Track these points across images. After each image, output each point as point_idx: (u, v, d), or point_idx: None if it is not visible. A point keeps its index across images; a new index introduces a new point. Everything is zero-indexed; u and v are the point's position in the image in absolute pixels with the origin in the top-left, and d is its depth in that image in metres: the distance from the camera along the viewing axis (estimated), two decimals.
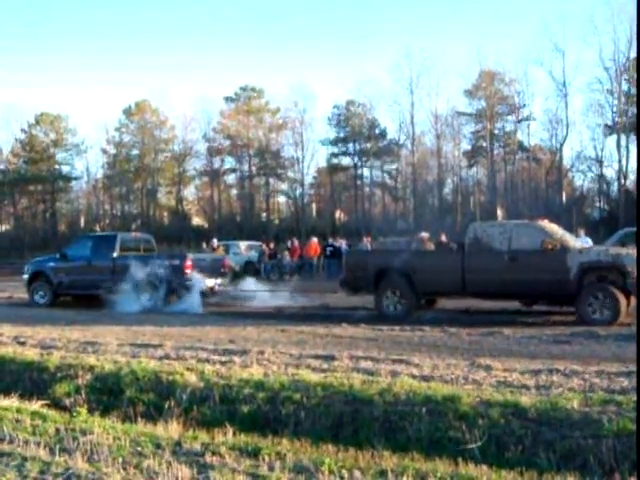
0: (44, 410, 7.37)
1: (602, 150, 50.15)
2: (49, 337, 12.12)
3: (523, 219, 17.82)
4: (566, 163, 51.67)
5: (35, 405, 7.57)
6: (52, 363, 9.32)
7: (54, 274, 19.24)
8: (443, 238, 21.86)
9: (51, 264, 19.67)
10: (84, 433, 6.18)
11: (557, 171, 50.48)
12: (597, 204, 52.10)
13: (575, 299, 12.87)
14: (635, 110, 46.79)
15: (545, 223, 14.09)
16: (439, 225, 41.88)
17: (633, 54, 45.09)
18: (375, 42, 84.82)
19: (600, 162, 50.39)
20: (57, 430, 6.33)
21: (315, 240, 32.24)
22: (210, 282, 18.34)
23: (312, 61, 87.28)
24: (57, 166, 63.55)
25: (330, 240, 32.28)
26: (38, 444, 5.85)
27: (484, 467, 5.40)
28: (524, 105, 52.06)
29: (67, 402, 8.15)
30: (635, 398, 6.31)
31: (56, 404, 8.09)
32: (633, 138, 47.56)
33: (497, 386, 7.21)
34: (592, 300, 12.62)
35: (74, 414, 7.07)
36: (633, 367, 7.95)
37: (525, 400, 6.42)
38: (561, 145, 49.87)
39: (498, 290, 13.57)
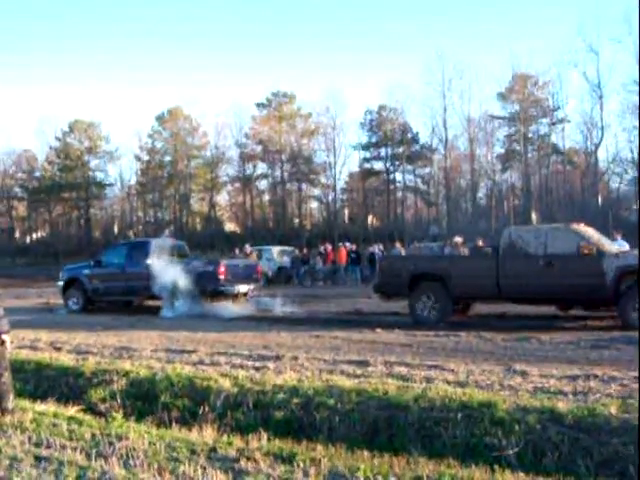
0: (80, 415, 7.42)
1: (638, 152, 49.42)
2: (84, 343, 12.26)
3: (558, 223, 17.63)
4: (602, 166, 51.07)
5: (71, 410, 7.63)
6: (87, 368, 9.41)
7: (88, 281, 19.47)
8: (480, 243, 21.72)
9: (85, 271, 19.89)
10: (119, 438, 6.22)
11: (592, 174, 49.85)
12: (634, 207, 51.30)
13: (616, 303, 12.68)
14: None
15: (581, 227, 13.92)
16: (472, 230, 41.66)
17: None
18: (407, 46, 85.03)
19: (636, 164, 49.67)
20: (93, 435, 6.37)
21: (347, 245, 32.24)
22: (243, 288, 18.41)
23: (344, 66, 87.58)
24: (91, 173, 64.47)
25: (350, 245, 32.08)
26: (75, 449, 5.90)
27: (521, 474, 5.33)
28: (558, 107, 51.67)
29: (102, 407, 8.21)
30: None
31: (92, 409, 8.15)
32: None
33: (533, 392, 7.11)
34: (636, 305, 12.42)
35: (109, 419, 7.12)
36: None
37: (562, 406, 6.32)
38: (596, 147, 49.29)
39: (534, 295, 13.44)
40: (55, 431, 6.57)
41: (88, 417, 7.37)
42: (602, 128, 48.19)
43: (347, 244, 32.84)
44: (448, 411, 6.55)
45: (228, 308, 17.49)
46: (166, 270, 17.91)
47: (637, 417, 5.92)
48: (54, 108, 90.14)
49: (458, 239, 22.38)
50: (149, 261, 18.57)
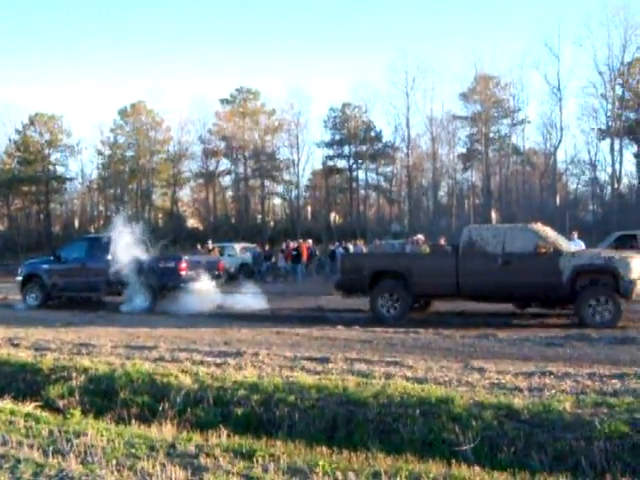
0: (37, 412, 7.36)
1: (596, 154, 50.43)
2: (43, 339, 12.12)
3: (517, 222, 17.90)
4: (560, 167, 51.93)
5: (29, 407, 7.56)
6: (46, 365, 9.31)
7: (48, 276, 19.20)
8: (442, 241, 21.95)
9: (45, 266, 19.62)
10: (78, 435, 6.17)
11: (551, 175, 50.63)
12: (590, 207, 52.26)
13: (572, 302, 12.93)
14: (629, 114, 47.09)
15: (539, 226, 14.14)
16: (434, 228, 42.04)
17: (627, 58, 45.41)
18: (372, 45, 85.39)
19: (594, 166, 50.65)
20: (51, 432, 6.32)
21: (309, 242, 32.31)
22: (205, 284, 18.34)
23: (308, 63, 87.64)
24: (51, 167, 63.34)
25: (291, 243, 31.71)
26: (31, 446, 5.85)
27: (477, 468, 5.42)
28: (519, 109, 52.40)
29: (61, 404, 8.14)
30: (628, 401, 6.35)
31: (50, 406, 8.07)
32: (627, 142, 47.82)
33: (490, 388, 7.22)
34: (592, 303, 12.68)
35: (68, 416, 7.07)
36: (625, 369, 8.00)
37: (518, 402, 6.44)
38: (555, 149, 50.10)
39: (492, 293, 13.63)
40: (12, 428, 6.51)
41: (46, 414, 7.31)
42: (561, 130, 48.99)
43: (309, 241, 32.90)
44: (407, 407, 6.63)
45: (189, 304, 17.41)
46: (127, 266, 17.77)
47: (590, 413, 6.06)
48: (15, 100, 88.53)
49: (419, 237, 22.62)
50: (109, 257, 18.39)
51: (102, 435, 6.15)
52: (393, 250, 26.15)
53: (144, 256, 18.34)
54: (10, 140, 62.77)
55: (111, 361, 9.46)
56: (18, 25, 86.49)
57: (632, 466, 5.36)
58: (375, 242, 32.82)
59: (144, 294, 17.58)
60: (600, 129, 49.23)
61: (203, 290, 18.20)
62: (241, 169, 59.97)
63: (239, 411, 7.27)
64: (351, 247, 30.47)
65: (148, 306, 17.37)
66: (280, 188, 61.55)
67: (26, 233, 61.78)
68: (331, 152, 59.24)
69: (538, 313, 14.20)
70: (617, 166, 46.99)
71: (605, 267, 12.84)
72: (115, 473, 5.15)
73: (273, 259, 32.21)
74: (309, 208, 63.67)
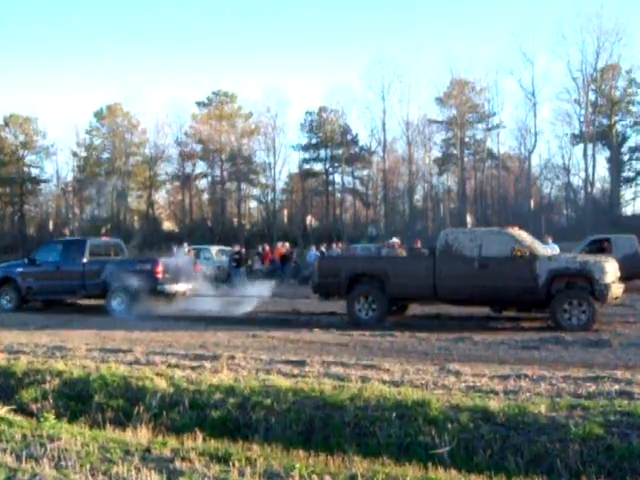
0: (10, 416, 7.26)
1: (569, 159, 51.09)
2: (16, 342, 11.98)
3: (492, 226, 18.01)
4: (534, 171, 52.39)
5: (1, 410, 7.46)
6: (19, 368, 9.22)
7: (22, 279, 18.99)
8: (417, 244, 22.04)
9: (19, 269, 19.39)
10: (51, 439, 6.10)
11: (525, 179, 51.07)
12: (564, 212, 52.82)
13: (548, 305, 13.04)
14: (602, 120, 47.66)
15: (515, 230, 14.23)
16: (409, 231, 42.20)
17: (600, 65, 46.00)
18: (348, 49, 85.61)
19: (567, 170, 51.22)
20: (24, 436, 6.25)
21: (286, 245, 32.28)
22: (181, 287, 18.25)
23: (285, 67, 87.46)
24: (26, 168, 62.69)
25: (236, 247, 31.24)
26: (4, 450, 5.77)
27: (453, 471, 5.44)
28: (494, 114, 52.87)
29: (34, 408, 8.04)
30: (602, 403, 6.41)
31: (23, 410, 7.98)
32: (599, 147, 48.40)
33: (466, 391, 7.26)
34: (567, 306, 12.79)
35: (41, 420, 6.98)
36: (600, 372, 8.08)
37: (494, 405, 6.47)
38: (530, 153, 50.60)
39: (468, 296, 13.69)
40: None
41: (19, 418, 7.22)
42: (535, 134, 49.48)
43: (286, 244, 32.86)
44: (383, 410, 6.64)
45: (165, 307, 17.29)
46: (102, 269, 17.66)
47: (565, 415, 6.11)
48: None
49: (395, 240, 22.70)
50: (85, 260, 18.25)
51: (76, 439, 6.08)
52: (369, 253, 26.22)
53: (119, 259, 18.22)
54: None
55: (86, 364, 9.38)
56: None
57: (607, 468, 5.41)
58: (345, 245, 32.97)
59: (119, 297, 17.46)
60: (574, 134, 49.89)
61: (179, 293, 18.12)
62: (217, 172, 59.76)
63: (215, 415, 7.23)
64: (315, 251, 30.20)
65: (124, 309, 17.23)
66: (256, 191, 61.40)
67: (0, 235, 61.07)
68: (307, 155, 59.29)
69: (513, 316, 14.29)
70: (590, 170, 47.62)
71: (581, 271, 12.97)
72: (89, 478, 5.09)
73: (249, 262, 32.08)
74: (285, 211, 63.56)
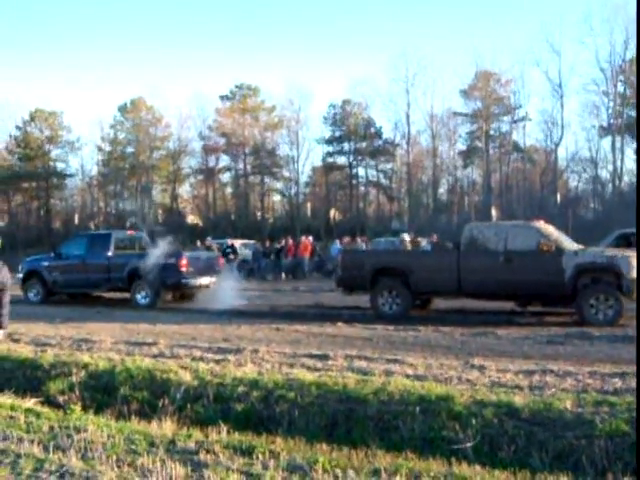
0: (38, 407, 7.35)
1: (597, 151, 50.41)
2: (43, 334, 12.13)
3: (517, 220, 17.87)
4: (561, 164, 51.88)
5: (29, 402, 7.55)
6: (46, 360, 9.31)
7: (48, 273, 19.22)
8: (434, 239, 21.95)
9: (45, 263, 19.63)
10: (78, 431, 6.17)
11: (552, 172, 50.61)
12: (591, 205, 52.26)
13: (575, 300, 12.91)
14: (631, 112, 47.05)
15: (541, 224, 14.11)
16: (433, 225, 42.02)
17: (629, 55, 45.37)
18: (372, 41, 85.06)
19: (595, 163, 50.60)
20: (51, 427, 6.32)
21: (310, 239, 32.24)
22: (205, 280, 18.34)
23: (308, 60, 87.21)
24: (52, 163, 63.30)
25: (229, 241, 30.99)
26: (32, 441, 5.84)
27: (477, 467, 5.41)
28: (520, 106, 52.27)
29: (61, 400, 8.12)
30: (629, 399, 6.34)
31: (50, 402, 8.06)
32: (628, 140, 47.78)
33: (491, 386, 7.22)
34: (594, 301, 12.67)
35: (68, 412, 7.05)
36: (626, 368, 7.99)
37: (518, 400, 6.43)
38: (556, 146, 50.09)
39: (493, 290, 13.60)
40: (12, 423, 6.49)
41: (46, 409, 7.30)
42: (562, 127, 48.99)
43: (310, 238, 32.84)
44: (407, 404, 6.62)
45: (189, 300, 17.38)
46: (127, 262, 17.81)
47: (591, 412, 6.06)
48: (15, 96, 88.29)
49: (404, 235, 22.65)
50: (110, 253, 18.42)
51: (102, 431, 6.14)
52: (392, 247, 26.16)
53: (144, 252, 18.35)
54: (10, 136, 62.80)
55: (111, 357, 9.46)
56: (18, 22, 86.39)
57: (633, 465, 5.35)
58: (367, 240, 32.97)
59: (144, 290, 17.61)
60: (601, 126, 49.22)
61: (203, 286, 18.21)
62: (241, 166, 59.89)
63: (239, 407, 7.26)
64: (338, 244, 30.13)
65: (149, 302, 17.38)
66: (280, 185, 61.47)
67: (26, 229, 61.73)
68: (331, 149, 59.22)
69: (538, 311, 14.18)
70: (618, 164, 47.03)
71: (608, 265, 12.82)
72: (115, 469, 5.14)
73: (272, 256, 32.08)
74: (309, 205, 63.58)
